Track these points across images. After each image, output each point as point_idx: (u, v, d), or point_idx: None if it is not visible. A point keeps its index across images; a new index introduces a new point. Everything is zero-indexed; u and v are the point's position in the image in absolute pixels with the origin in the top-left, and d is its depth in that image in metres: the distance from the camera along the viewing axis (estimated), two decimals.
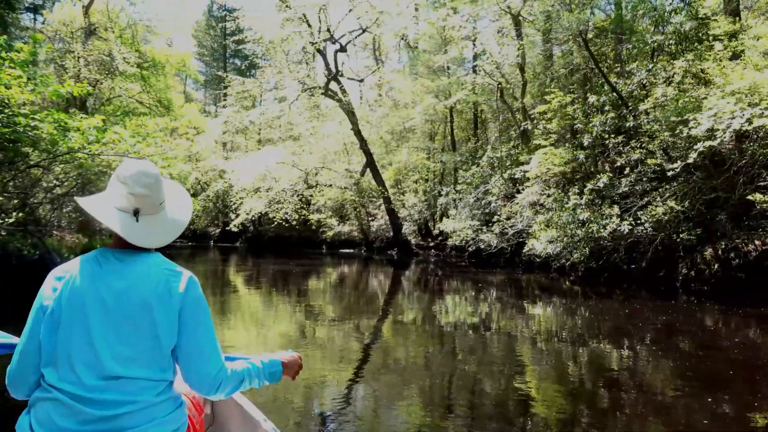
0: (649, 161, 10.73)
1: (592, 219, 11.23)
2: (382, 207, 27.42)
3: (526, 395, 5.14)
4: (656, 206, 10.40)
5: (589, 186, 11.60)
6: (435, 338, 7.97)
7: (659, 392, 5.17)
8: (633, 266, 12.72)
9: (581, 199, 11.56)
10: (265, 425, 2.43)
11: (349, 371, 5.92)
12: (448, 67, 24.14)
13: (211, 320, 1.78)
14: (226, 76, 33.15)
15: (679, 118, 9.56)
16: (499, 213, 15.82)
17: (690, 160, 8.59)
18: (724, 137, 8.10)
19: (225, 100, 32.98)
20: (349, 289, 14.21)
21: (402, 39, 31.16)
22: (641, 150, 11.05)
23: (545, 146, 13.82)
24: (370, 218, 27.80)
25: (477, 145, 21.92)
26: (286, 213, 24.49)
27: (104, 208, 1.73)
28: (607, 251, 11.94)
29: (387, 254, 25.41)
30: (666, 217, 10.25)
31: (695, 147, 8.54)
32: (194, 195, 33.29)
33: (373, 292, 14.11)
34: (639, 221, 10.75)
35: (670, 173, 8.96)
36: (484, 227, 15.77)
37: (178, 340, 1.69)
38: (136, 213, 1.72)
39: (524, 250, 13.74)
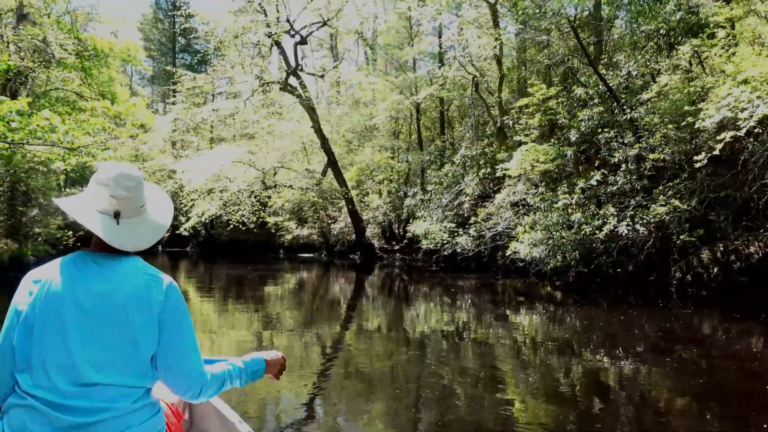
0: (650, 156, 9.92)
1: (584, 220, 10.36)
2: (344, 209, 26.21)
3: (504, 410, 4.67)
4: (658, 205, 9.57)
5: (580, 184, 10.72)
6: (403, 348, 7.37)
7: (657, 407, 4.72)
8: (619, 270, 11.96)
9: (571, 198, 10.68)
10: (242, 428, 2.39)
11: (309, 383, 5.47)
12: (415, 62, 23.10)
13: (191, 326, 1.76)
14: (176, 72, 31.29)
15: (689, 108, 8.77)
16: (475, 215, 14.85)
17: (716, 152, 7.78)
18: (750, 125, 7.30)
19: (174, 96, 31.06)
20: (310, 296, 13.36)
21: (360, 36, 30.18)
22: (639, 145, 10.24)
23: (526, 143, 12.95)
24: (330, 221, 26.54)
25: (445, 143, 20.93)
26: (243, 215, 22.91)
27: (85, 210, 1.70)
28: (597, 254, 11.11)
29: (349, 258, 24.34)
30: (668, 217, 9.45)
31: (719, 137, 7.74)
32: None
33: (336, 299, 13.18)
34: (637, 222, 9.91)
35: (697, 164, 8.12)
36: (460, 229, 14.76)
37: (158, 345, 1.67)
38: (116, 215, 1.69)
39: (507, 254, 12.79)
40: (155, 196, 1.89)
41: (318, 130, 22.82)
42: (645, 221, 9.70)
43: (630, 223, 9.76)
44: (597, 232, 10.16)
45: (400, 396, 5.14)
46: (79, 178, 26.78)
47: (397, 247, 23.86)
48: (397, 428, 4.29)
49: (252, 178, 23.84)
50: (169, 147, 32.76)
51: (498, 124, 14.80)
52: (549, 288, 12.94)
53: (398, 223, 24.57)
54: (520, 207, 13.20)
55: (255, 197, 24.14)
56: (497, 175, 13.55)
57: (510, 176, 13.41)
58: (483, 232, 14.09)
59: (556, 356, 6.60)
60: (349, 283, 17.11)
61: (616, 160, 10.47)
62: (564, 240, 10.80)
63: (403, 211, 21.71)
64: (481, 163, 15.72)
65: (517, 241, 12.48)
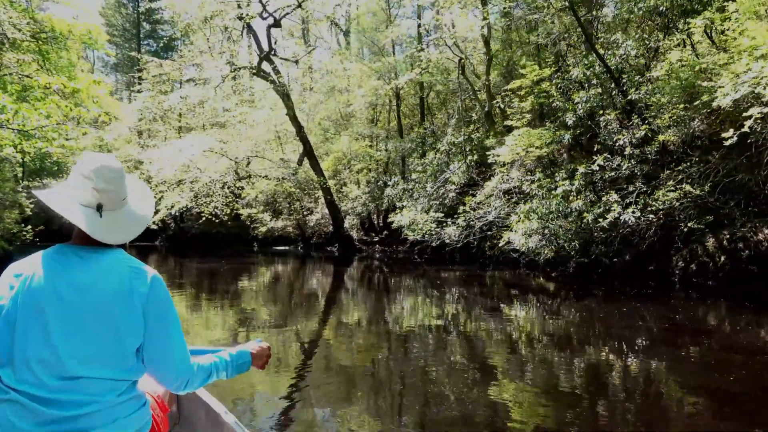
0: (659, 138, 9.33)
1: (585, 208, 9.75)
2: (320, 200, 25.33)
3: (495, 406, 4.40)
4: (667, 191, 8.99)
5: (581, 170, 10.10)
6: (386, 342, 7.02)
7: (662, 404, 4.43)
8: (616, 260, 11.44)
9: (571, 185, 10.05)
10: (228, 419, 2.37)
11: (288, 381, 5.15)
12: (394, 46, 22.23)
13: (177, 318, 1.75)
14: (141, 58, 29.86)
15: (703, 85, 8.17)
16: (462, 204, 14.16)
17: (746, 129, 7.21)
18: None
19: (140, 84, 29.60)
20: (287, 290, 12.77)
21: (333, 22, 29.24)
22: (646, 126, 9.64)
23: (518, 127, 12.29)
24: (305, 212, 25.64)
25: (426, 130, 20.15)
26: (216, 207, 21.82)
27: (67, 203, 1.67)
28: (596, 243, 10.54)
29: (326, 251, 23.59)
30: (677, 204, 8.88)
31: (748, 113, 7.16)
32: None
33: (314, 293, 12.55)
34: (645, 208, 9.33)
35: (728, 142, 7.52)
36: (448, 220, 14.06)
37: (144, 338, 1.66)
38: (99, 208, 1.67)
39: (500, 244, 12.15)
40: (137, 189, 1.86)
41: (293, 118, 21.86)
42: (654, 208, 9.11)
43: (635, 210, 9.16)
44: (600, 220, 9.55)
45: (384, 392, 4.96)
46: (38, 170, 25.32)
47: (376, 239, 23.14)
48: (381, 423, 4.08)
49: (224, 169, 22.74)
50: (135, 137, 31.33)
51: (486, 109, 14.10)
52: (542, 279, 12.39)
53: (378, 213, 23.83)
54: (514, 195, 12.56)
55: (228, 188, 23.07)
56: (488, 161, 12.84)
57: (501, 163, 12.74)
58: (472, 222, 13.42)
59: (552, 350, 6.20)
60: (327, 276, 16.47)
61: (620, 143, 9.86)
62: (562, 229, 10.18)
63: (383, 201, 20.97)
64: (467, 149, 15.02)
65: (510, 230, 11.85)
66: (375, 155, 22.15)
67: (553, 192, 10.41)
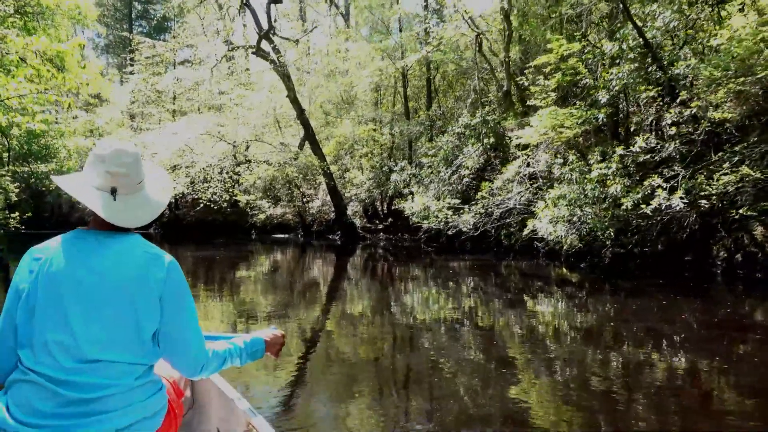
0: (714, 115, 8.44)
1: (623, 192, 8.88)
2: (321, 186, 24.40)
3: (515, 406, 4.07)
4: (722, 174, 8.12)
5: (619, 151, 9.22)
6: (396, 336, 6.58)
7: (707, 409, 3.98)
8: (647, 249, 10.63)
9: (608, 168, 9.17)
10: (241, 404, 2.39)
11: (290, 376, 4.92)
12: (401, 23, 21.13)
13: (193, 303, 1.76)
14: (133, 38, 28.68)
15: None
16: (478, 190, 13.28)
17: None
18: None
19: (132, 66, 28.44)
20: (287, 279, 12.20)
21: (331, 2, 28.16)
22: (697, 103, 8.74)
23: (542, 107, 11.38)
24: (305, 199, 24.69)
25: (435, 113, 19.14)
26: (215, 193, 20.82)
27: (82, 187, 1.70)
28: (633, 232, 9.71)
29: (327, 239, 22.72)
30: (732, 188, 8.03)
31: None
32: None
33: (316, 282, 11.95)
34: (690, 193, 8.48)
35: None
36: (465, 206, 13.18)
37: (160, 323, 1.67)
38: (113, 192, 1.68)
39: (524, 233, 11.29)
40: (153, 174, 1.88)
41: (294, 100, 20.87)
42: (707, 192, 8.25)
43: (683, 195, 8.30)
44: (643, 206, 8.69)
45: (393, 386, 4.77)
46: (25, 154, 24.23)
47: (381, 227, 22.24)
48: (392, 419, 3.92)
49: (221, 153, 21.72)
50: (127, 120, 30.22)
51: (504, 88, 13.18)
52: (565, 270, 11.59)
53: (382, 200, 22.93)
54: (539, 179, 11.67)
55: (227, 173, 22.08)
56: (506, 144, 11.92)
57: (524, 145, 11.84)
58: (490, 209, 12.55)
59: (579, 347, 5.72)
60: (330, 265, 15.73)
61: (664, 122, 8.99)
62: (597, 216, 9.32)
63: (389, 187, 20.06)
64: (482, 132, 14.09)
65: (535, 218, 10.99)
66: (380, 139, 21.17)
67: (587, 176, 9.52)
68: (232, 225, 26.34)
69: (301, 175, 22.18)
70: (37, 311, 1.56)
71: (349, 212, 22.26)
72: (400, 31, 20.97)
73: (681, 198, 8.16)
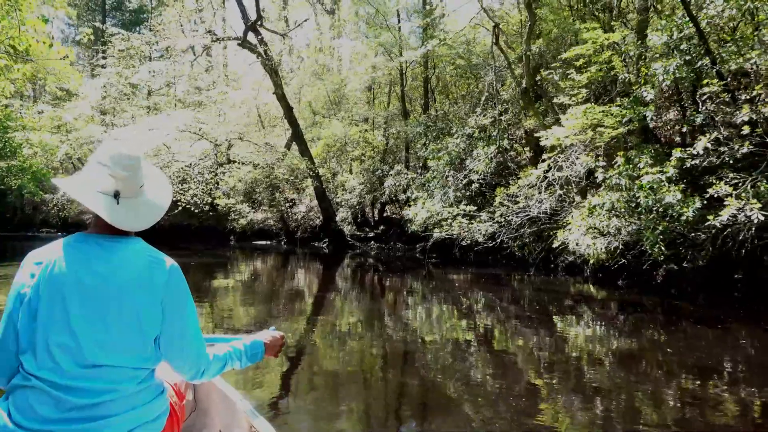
0: None
1: (680, 201, 7.73)
2: (308, 190, 22.96)
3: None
4: None
5: (677, 154, 8.07)
6: (397, 355, 5.93)
7: None
8: (686, 266, 9.52)
9: (663, 173, 8.00)
10: (243, 406, 2.41)
11: (272, 395, 4.54)
12: (399, 15, 19.80)
13: (194, 308, 1.76)
14: (105, 29, 26.88)
15: None
16: (492, 196, 12.05)
17: None
18: None
19: (104, 59, 26.64)
20: (270, 289, 11.39)
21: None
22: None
23: (570, 105, 10.21)
24: (287, 204, 23.19)
25: (438, 113, 17.87)
26: (195, 195, 19.18)
27: (85, 190, 1.67)
28: (683, 245, 8.57)
29: (312, 246, 21.32)
30: None
31: None
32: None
33: (302, 293, 10.91)
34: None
35: None
36: (482, 214, 11.92)
37: (161, 327, 1.66)
38: (116, 195, 1.67)
39: (556, 245, 10.06)
40: (154, 177, 1.86)
41: (281, 97, 19.44)
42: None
43: (762, 206, 7.15)
44: (710, 217, 7.54)
45: (395, 397, 4.57)
46: None
47: (371, 234, 20.87)
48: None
49: (201, 152, 20.09)
50: (98, 116, 28.38)
51: (523, 85, 11.99)
52: (592, 287, 10.43)
53: (373, 206, 21.59)
54: (571, 185, 10.48)
55: (211, 172, 20.47)
56: (541, 143, 10.70)
57: (550, 148, 10.64)
58: (509, 218, 11.33)
59: (618, 377, 4.92)
60: (316, 276, 14.51)
61: (737, 120, 7.87)
62: (650, 228, 8.14)
63: (382, 192, 18.74)
64: (497, 132, 12.86)
65: (564, 228, 9.80)
66: (374, 140, 19.83)
67: (637, 182, 8.34)
68: (210, 230, 24.64)
69: (290, 177, 20.69)
70: (40, 315, 1.54)
71: (337, 218, 20.86)
72: (399, 23, 19.60)
73: (761, 209, 7.01)
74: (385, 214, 21.57)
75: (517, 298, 9.80)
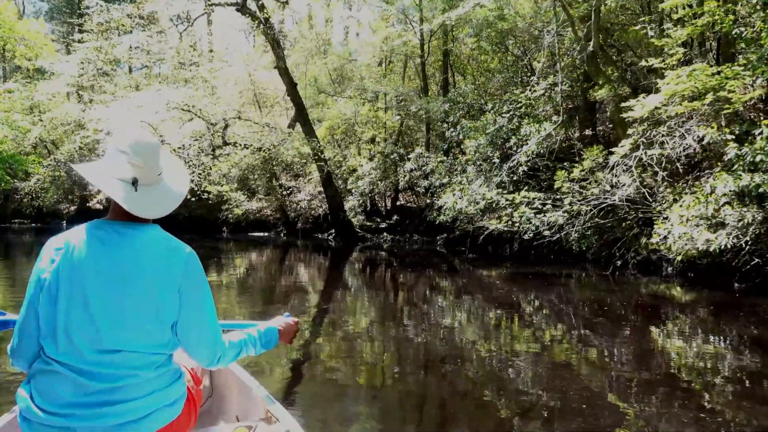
0: None
1: None
2: (308, 177, 20.93)
3: None
4: None
5: None
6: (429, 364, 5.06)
7: None
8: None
9: None
10: (260, 392, 2.41)
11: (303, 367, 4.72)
12: None
13: (210, 295, 1.74)
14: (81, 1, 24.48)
15: None
16: (550, 182, 10.18)
17: None
18: None
19: (81, 34, 24.20)
20: (271, 286, 10.37)
21: None
22: None
23: (665, 68, 8.38)
24: (285, 192, 21.11)
25: (467, 88, 15.83)
26: (192, 180, 17.00)
27: (105, 177, 1.65)
28: None
29: (317, 238, 19.37)
30: None
31: None
32: (39, 158, 24.53)
33: (318, 293, 9.57)
34: None
35: None
36: (549, 202, 10.03)
37: (178, 315, 1.64)
38: (134, 183, 1.65)
39: (652, 241, 8.23)
40: (172, 165, 1.84)
41: (284, 71, 17.31)
42: None
43: None
44: None
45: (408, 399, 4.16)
46: None
47: (383, 225, 18.92)
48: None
49: (193, 134, 17.89)
50: (74, 94, 25.94)
51: (590, 48, 10.09)
52: (680, 289, 8.68)
53: (386, 194, 19.63)
54: (674, 164, 8.62)
55: (207, 155, 18.30)
56: (628, 116, 8.81)
57: (639, 120, 8.77)
58: (579, 206, 9.49)
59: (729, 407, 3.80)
60: (328, 275, 12.61)
61: None
62: None
63: (398, 178, 16.78)
64: (548, 107, 10.99)
65: (664, 220, 7.96)
66: (389, 120, 17.81)
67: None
68: (200, 220, 22.41)
69: (294, 161, 18.63)
70: (60, 300, 1.53)
71: (345, 207, 18.85)
72: None
73: None
74: (398, 203, 19.63)
75: (582, 300, 8.20)
